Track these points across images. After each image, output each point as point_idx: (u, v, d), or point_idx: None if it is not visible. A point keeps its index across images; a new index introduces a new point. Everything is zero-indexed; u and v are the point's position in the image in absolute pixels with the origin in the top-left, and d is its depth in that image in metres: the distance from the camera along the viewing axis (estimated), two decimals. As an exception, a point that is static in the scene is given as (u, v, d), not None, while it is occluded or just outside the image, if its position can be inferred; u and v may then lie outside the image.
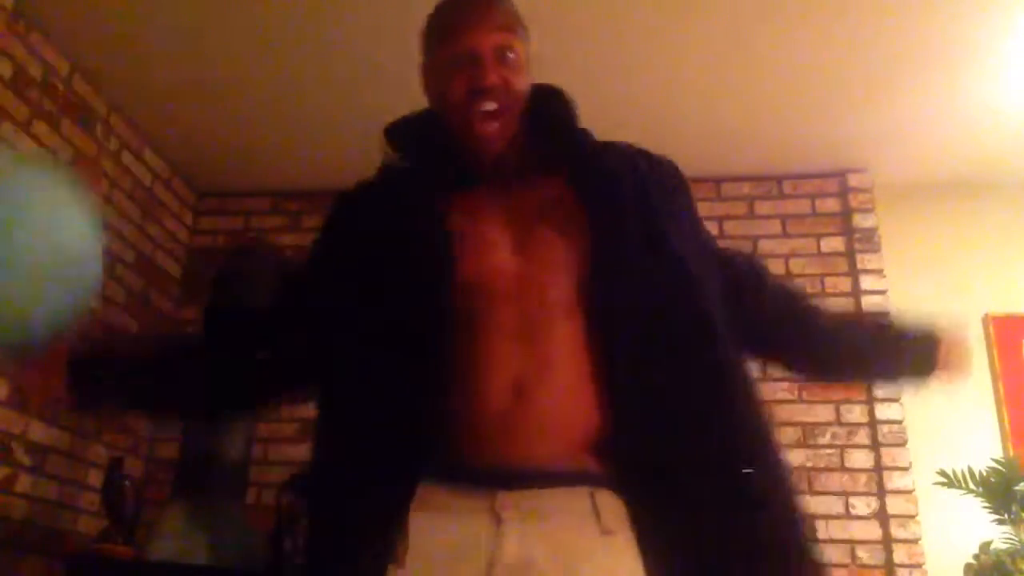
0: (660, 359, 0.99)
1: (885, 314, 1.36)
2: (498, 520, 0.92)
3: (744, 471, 0.95)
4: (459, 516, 0.93)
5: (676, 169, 1.26)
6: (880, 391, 2.96)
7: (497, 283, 1.04)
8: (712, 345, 1.03)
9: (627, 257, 1.06)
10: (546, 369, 0.98)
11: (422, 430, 0.96)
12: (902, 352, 1.30)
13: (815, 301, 1.30)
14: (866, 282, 3.12)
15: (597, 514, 0.94)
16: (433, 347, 0.99)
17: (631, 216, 1.10)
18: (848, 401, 2.99)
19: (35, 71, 2.63)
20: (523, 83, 1.15)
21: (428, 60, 1.19)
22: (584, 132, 1.23)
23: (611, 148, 1.22)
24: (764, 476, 0.98)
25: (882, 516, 2.84)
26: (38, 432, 2.61)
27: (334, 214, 1.22)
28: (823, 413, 2.99)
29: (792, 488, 1.01)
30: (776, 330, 1.23)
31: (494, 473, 0.94)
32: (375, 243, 1.11)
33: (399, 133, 1.24)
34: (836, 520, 2.86)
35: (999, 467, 2.53)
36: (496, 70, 1.10)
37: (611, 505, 0.95)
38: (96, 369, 1.15)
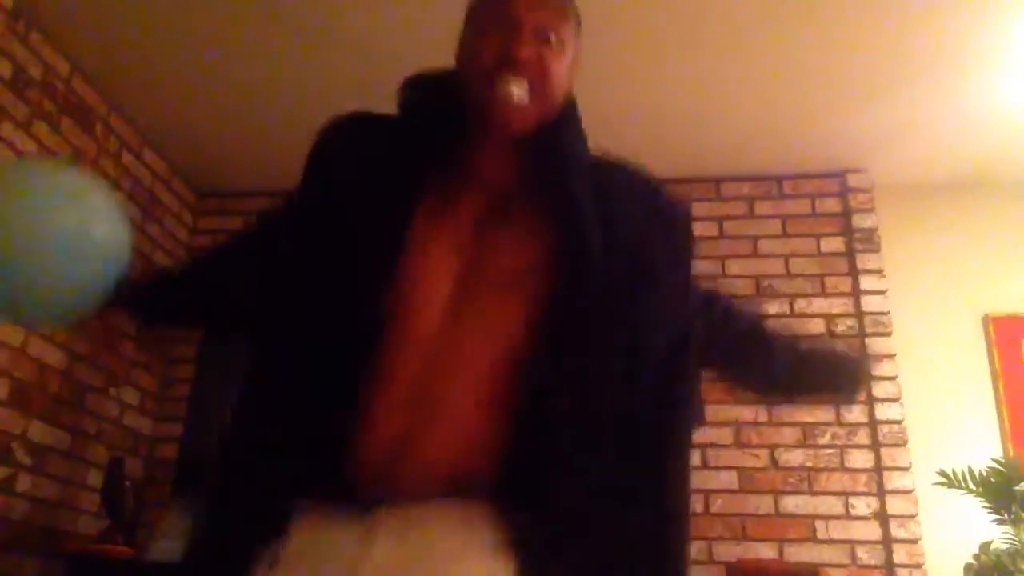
0: (579, 437, 0.94)
1: (813, 339, 1.40)
2: (370, 527, 0.91)
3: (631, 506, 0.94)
4: (333, 525, 0.92)
5: (685, 219, 1.13)
6: (879, 391, 2.97)
7: (421, 323, 0.95)
8: (640, 444, 0.96)
9: (577, 336, 0.95)
10: (441, 420, 0.93)
11: (314, 450, 0.93)
12: (832, 369, 1.31)
13: (766, 326, 1.32)
14: (866, 282, 3.12)
15: (471, 522, 0.92)
16: (343, 368, 0.93)
17: (603, 282, 0.97)
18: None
19: (35, 71, 2.63)
20: (562, 71, 1.03)
21: (465, 26, 1.08)
22: (587, 164, 1.09)
23: (618, 180, 1.08)
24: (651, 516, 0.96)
25: (882, 516, 2.84)
26: (38, 432, 2.61)
27: (320, 151, 1.12)
28: (823, 413, 2.99)
29: (681, 534, 0.99)
30: (735, 359, 1.23)
31: (373, 500, 0.93)
32: (339, 208, 1.02)
33: (415, 87, 1.11)
34: (836, 520, 2.86)
35: (999, 467, 2.53)
36: (534, 45, 0.99)
37: (487, 514, 0.92)
38: (149, 299, 1.20)
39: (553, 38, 1.02)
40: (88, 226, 1.09)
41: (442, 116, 1.05)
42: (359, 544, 0.90)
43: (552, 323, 0.95)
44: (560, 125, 1.06)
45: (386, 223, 0.97)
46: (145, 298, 1.19)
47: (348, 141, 1.09)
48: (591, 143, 1.15)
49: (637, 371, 0.97)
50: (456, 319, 0.95)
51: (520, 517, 0.91)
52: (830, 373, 1.29)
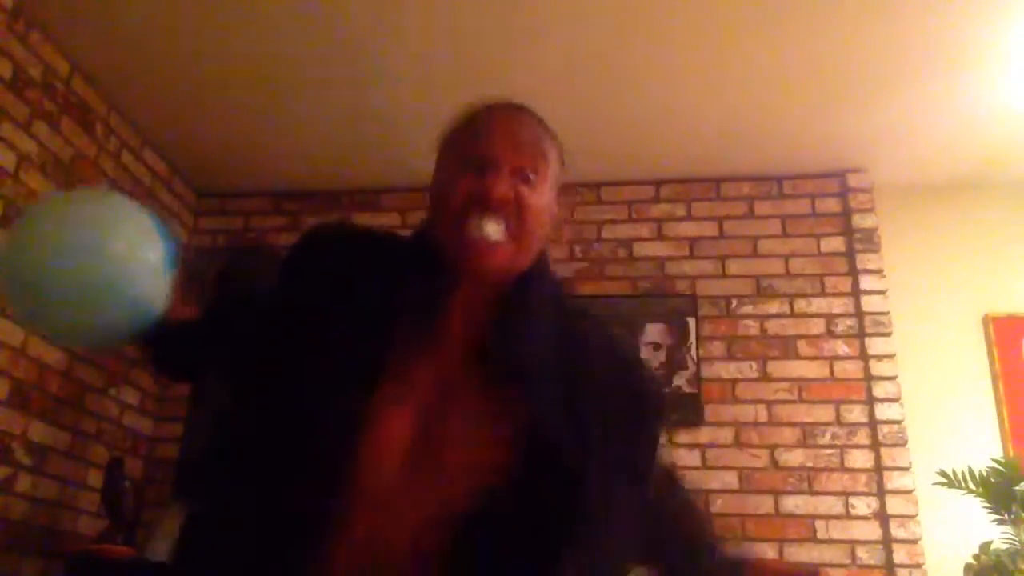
0: None
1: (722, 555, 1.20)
2: None
3: None
4: None
5: (657, 396, 1.08)
6: (879, 391, 2.97)
7: (377, 474, 0.90)
8: None
9: (519, 516, 0.89)
10: (388, 570, 0.88)
11: None
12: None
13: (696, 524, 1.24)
14: (866, 282, 3.12)
15: None
16: (299, 511, 0.87)
17: (556, 466, 0.91)
18: (848, 401, 2.99)
19: (35, 71, 2.63)
20: (541, 209, 0.97)
21: (438, 161, 1.02)
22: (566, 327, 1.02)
23: (594, 349, 1.01)
24: None
25: (882, 516, 2.84)
26: (38, 432, 2.61)
27: (296, 266, 1.04)
28: (823, 413, 2.99)
29: None
30: (662, 551, 1.14)
31: None
32: (320, 323, 0.95)
33: (395, 239, 1.07)
34: (836, 520, 2.86)
35: (999, 467, 2.53)
36: (512, 184, 0.94)
37: None
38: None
39: (532, 176, 0.96)
40: (132, 273, 1.14)
41: (417, 261, 0.98)
42: None
43: (496, 500, 0.89)
44: (528, 283, 0.98)
45: (353, 378, 0.90)
46: (164, 341, 1.22)
47: (325, 266, 1.00)
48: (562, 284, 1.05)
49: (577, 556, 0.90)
50: (413, 473, 0.90)
51: None
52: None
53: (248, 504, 0.89)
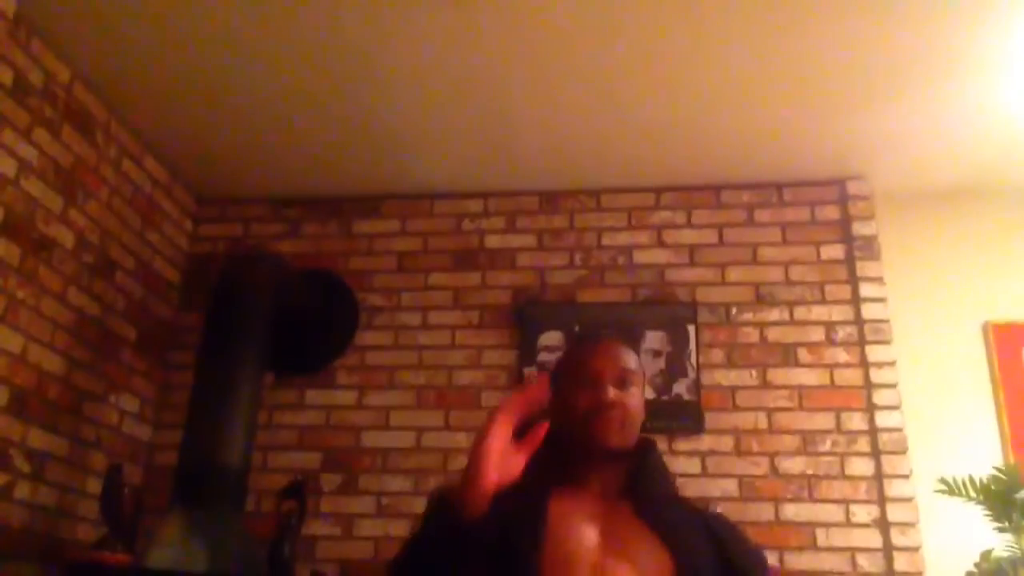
0: None
1: None
2: None
3: None
4: None
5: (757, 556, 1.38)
6: (880, 399, 2.96)
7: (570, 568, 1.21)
8: None
9: None
10: None
11: None
12: None
13: None
14: (866, 290, 3.12)
15: None
16: None
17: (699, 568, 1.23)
18: (848, 408, 2.98)
19: (36, 78, 2.64)
20: (638, 408, 1.36)
21: (558, 386, 1.38)
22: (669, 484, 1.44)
23: (684, 505, 1.40)
24: None
25: (883, 524, 2.84)
26: (37, 439, 2.61)
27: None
28: (823, 421, 2.98)
29: None
30: None
31: None
32: (506, 518, 1.28)
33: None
34: (836, 528, 2.85)
35: (1000, 475, 2.53)
36: (615, 391, 1.33)
37: None
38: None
39: (629, 384, 1.35)
40: None
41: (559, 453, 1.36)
42: None
43: None
44: (642, 454, 1.40)
45: (530, 510, 1.27)
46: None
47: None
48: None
49: None
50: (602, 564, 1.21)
51: None
52: None
53: None
